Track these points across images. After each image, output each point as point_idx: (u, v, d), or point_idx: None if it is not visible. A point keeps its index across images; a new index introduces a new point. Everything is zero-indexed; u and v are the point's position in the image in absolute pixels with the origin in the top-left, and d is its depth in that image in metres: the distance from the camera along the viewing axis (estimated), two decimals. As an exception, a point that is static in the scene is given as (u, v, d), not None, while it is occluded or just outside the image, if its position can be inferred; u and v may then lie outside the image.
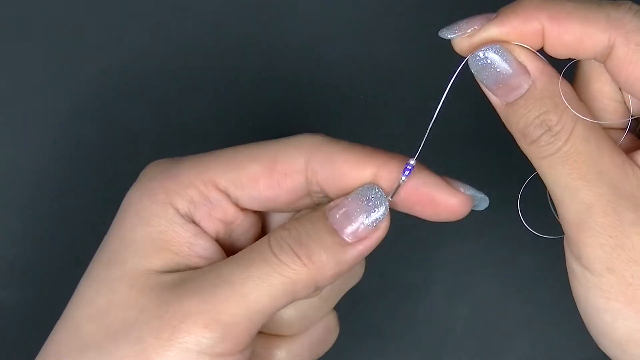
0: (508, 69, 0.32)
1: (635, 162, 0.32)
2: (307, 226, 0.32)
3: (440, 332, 0.45)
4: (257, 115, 0.48)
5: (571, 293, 0.46)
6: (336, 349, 0.46)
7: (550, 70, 0.33)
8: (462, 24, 0.33)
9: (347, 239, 0.32)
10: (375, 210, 0.33)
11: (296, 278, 0.31)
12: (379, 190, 0.33)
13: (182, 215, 0.33)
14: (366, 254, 0.33)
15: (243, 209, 0.34)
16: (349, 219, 0.33)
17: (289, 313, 0.36)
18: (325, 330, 0.37)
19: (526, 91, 0.32)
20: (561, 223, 0.33)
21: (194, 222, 0.33)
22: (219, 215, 0.33)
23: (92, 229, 0.47)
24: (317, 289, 0.33)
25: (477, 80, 0.33)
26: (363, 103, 0.47)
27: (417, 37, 0.48)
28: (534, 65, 0.32)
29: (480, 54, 0.32)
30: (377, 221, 0.33)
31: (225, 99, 0.48)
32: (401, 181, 0.33)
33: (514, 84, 0.32)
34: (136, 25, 0.49)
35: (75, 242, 0.46)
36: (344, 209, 0.33)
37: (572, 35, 0.31)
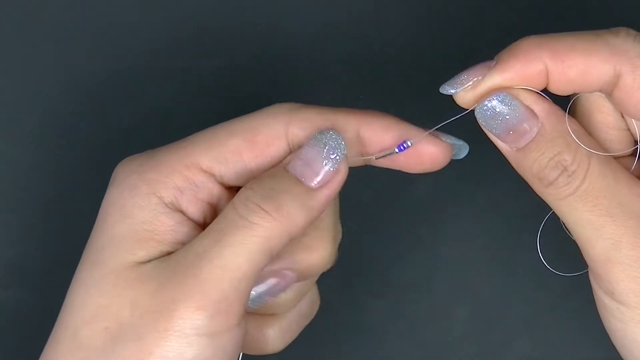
0: (516, 115, 0.32)
1: None
2: (269, 181, 0.32)
3: (440, 332, 0.45)
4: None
5: (572, 294, 0.46)
6: (336, 349, 0.46)
7: (556, 109, 0.32)
8: (463, 77, 0.33)
9: (311, 185, 0.33)
10: (333, 153, 0.33)
11: (269, 234, 0.31)
12: (333, 133, 0.33)
13: (166, 204, 0.33)
14: (332, 198, 0.33)
15: (228, 187, 0.34)
16: (309, 165, 0.33)
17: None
18: (309, 303, 0.37)
19: (536, 134, 0.32)
20: (587, 261, 0.32)
21: (179, 209, 0.33)
22: (205, 197, 0.33)
23: (92, 229, 0.47)
24: (292, 239, 0.33)
25: (485, 130, 0.33)
26: (362, 103, 0.47)
27: (417, 37, 0.48)
28: (540, 107, 0.32)
29: (487, 104, 0.32)
30: (337, 162, 0.33)
31: (225, 99, 0.48)
32: (395, 151, 0.33)
33: (523, 129, 0.32)
34: (135, 24, 0.49)
35: (75, 242, 0.45)
36: (303, 158, 0.33)
37: (576, 70, 0.31)
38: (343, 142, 0.33)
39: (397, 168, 0.34)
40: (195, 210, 0.33)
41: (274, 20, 0.48)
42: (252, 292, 0.34)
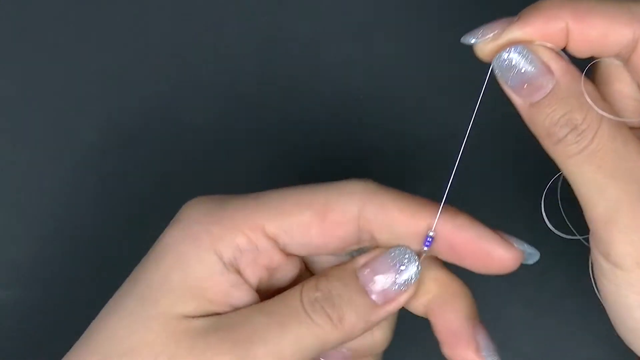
0: (532, 69, 0.32)
1: None
2: (338, 287, 0.32)
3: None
4: (255, 115, 0.48)
5: (572, 294, 0.46)
6: (336, 349, 0.46)
7: (573, 70, 0.32)
8: (485, 29, 0.33)
9: (377, 301, 0.33)
10: (406, 273, 0.33)
11: (327, 338, 0.32)
12: (410, 252, 0.33)
13: (225, 264, 0.32)
14: (392, 314, 0.34)
15: (289, 254, 0.33)
16: (379, 282, 0.33)
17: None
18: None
19: (550, 91, 0.32)
20: (588, 222, 0.32)
21: (236, 270, 0.32)
22: (264, 262, 0.33)
23: (92, 229, 0.47)
24: (342, 345, 0.33)
25: (501, 82, 0.33)
26: (362, 103, 0.47)
27: (417, 37, 0.48)
28: (557, 65, 0.32)
29: (505, 55, 0.32)
30: (408, 283, 0.33)
31: (224, 99, 0.48)
32: (424, 252, 0.33)
33: (538, 83, 0.32)
34: (135, 23, 0.49)
35: (75, 242, 0.46)
36: (376, 272, 0.33)
37: (596, 31, 0.32)
38: (418, 265, 0.33)
39: (464, 266, 0.33)
40: (251, 274, 0.33)
41: (273, 20, 0.49)
42: None
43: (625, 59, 0.33)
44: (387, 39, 0.48)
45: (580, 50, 0.32)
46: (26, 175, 0.47)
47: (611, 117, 0.32)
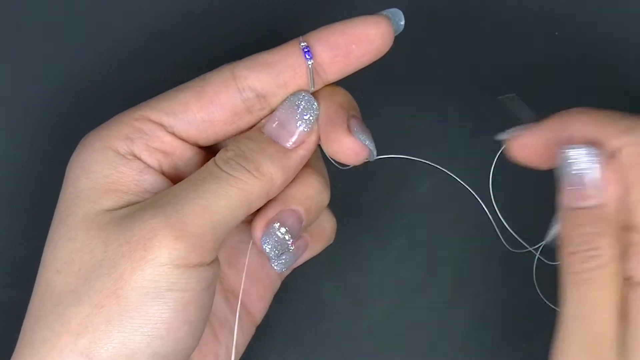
0: (593, 174, 0.32)
1: None
2: (247, 143, 0.33)
3: (440, 332, 0.45)
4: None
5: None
6: (336, 349, 0.46)
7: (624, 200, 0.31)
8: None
9: (286, 145, 0.34)
10: (306, 114, 0.34)
11: (250, 189, 0.32)
12: (306, 95, 0.34)
13: (122, 155, 0.33)
14: (307, 158, 0.34)
15: (182, 140, 0.34)
16: (283, 127, 0.34)
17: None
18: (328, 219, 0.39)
19: (595, 207, 0.31)
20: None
21: (136, 157, 0.33)
22: (157, 145, 0.34)
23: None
24: (268, 199, 0.34)
25: (559, 173, 0.32)
26: (362, 103, 0.47)
27: (417, 37, 0.48)
28: (615, 186, 0.31)
29: (575, 149, 0.32)
30: (310, 122, 0.34)
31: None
32: (309, 65, 0.33)
33: (591, 193, 0.32)
34: (136, 23, 0.49)
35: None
36: (277, 120, 0.34)
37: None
38: (315, 103, 0.34)
39: (352, 63, 0.34)
40: (150, 158, 0.34)
41: (273, 20, 0.48)
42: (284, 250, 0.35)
43: None
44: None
45: None
46: (26, 175, 0.47)
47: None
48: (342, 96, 0.35)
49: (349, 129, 0.34)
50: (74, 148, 0.47)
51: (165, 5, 0.49)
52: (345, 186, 0.45)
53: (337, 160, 0.35)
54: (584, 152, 0.31)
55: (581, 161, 0.32)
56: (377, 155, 0.35)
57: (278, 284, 0.40)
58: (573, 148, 0.32)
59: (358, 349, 0.45)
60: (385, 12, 0.34)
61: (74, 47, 0.48)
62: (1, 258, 0.46)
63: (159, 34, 0.48)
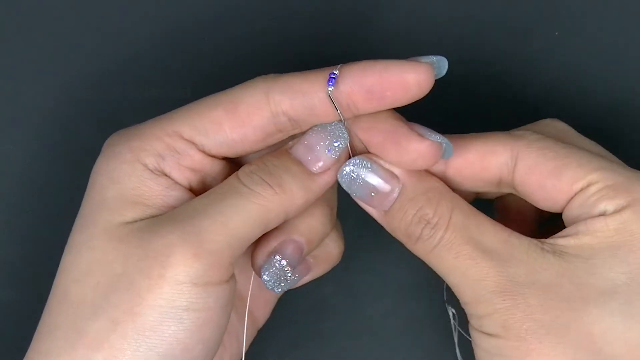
0: (375, 177, 0.33)
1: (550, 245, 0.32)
2: (272, 160, 0.33)
3: (440, 332, 0.45)
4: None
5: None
6: (336, 349, 0.46)
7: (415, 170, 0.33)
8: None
9: (312, 170, 0.34)
10: (336, 141, 0.34)
11: (269, 206, 0.32)
12: (338, 123, 0.34)
13: (151, 170, 0.33)
14: (330, 185, 0.34)
15: (212, 156, 0.34)
16: (312, 150, 0.34)
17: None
18: (334, 242, 0.39)
19: (398, 195, 0.33)
20: (464, 308, 0.34)
21: (165, 174, 0.33)
22: (188, 164, 0.34)
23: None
24: (286, 219, 0.34)
25: (352, 196, 0.34)
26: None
27: (417, 36, 0.48)
28: (400, 169, 0.33)
29: (346, 169, 0.33)
30: (339, 150, 0.34)
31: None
32: (329, 92, 0.33)
33: (386, 191, 0.33)
34: (136, 24, 0.49)
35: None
36: (306, 143, 0.34)
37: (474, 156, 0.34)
38: (346, 132, 0.34)
39: (385, 103, 0.33)
40: (179, 176, 0.34)
41: (273, 20, 0.49)
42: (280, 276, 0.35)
43: (510, 181, 0.33)
44: (387, 37, 0.48)
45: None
46: (26, 175, 0.47)
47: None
48: (391, 112, 0.35)
49: (419, 133, 0.34)
50: (74, 149, 0.48)
51: (173, 8, 0.49)
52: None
53: (414, 167, 0.34)
54: (353, 165, 0.33)
55: (358, 171, 0.33)
56: None
57: None
58: (345, 165, 0.33)
59: (358, 349, 0.45)
60: (429, 58, 0.33)
61: (77, 48, 0.48)
62: (1, 258, 0.46)
63: (165, 36, 0.49)
